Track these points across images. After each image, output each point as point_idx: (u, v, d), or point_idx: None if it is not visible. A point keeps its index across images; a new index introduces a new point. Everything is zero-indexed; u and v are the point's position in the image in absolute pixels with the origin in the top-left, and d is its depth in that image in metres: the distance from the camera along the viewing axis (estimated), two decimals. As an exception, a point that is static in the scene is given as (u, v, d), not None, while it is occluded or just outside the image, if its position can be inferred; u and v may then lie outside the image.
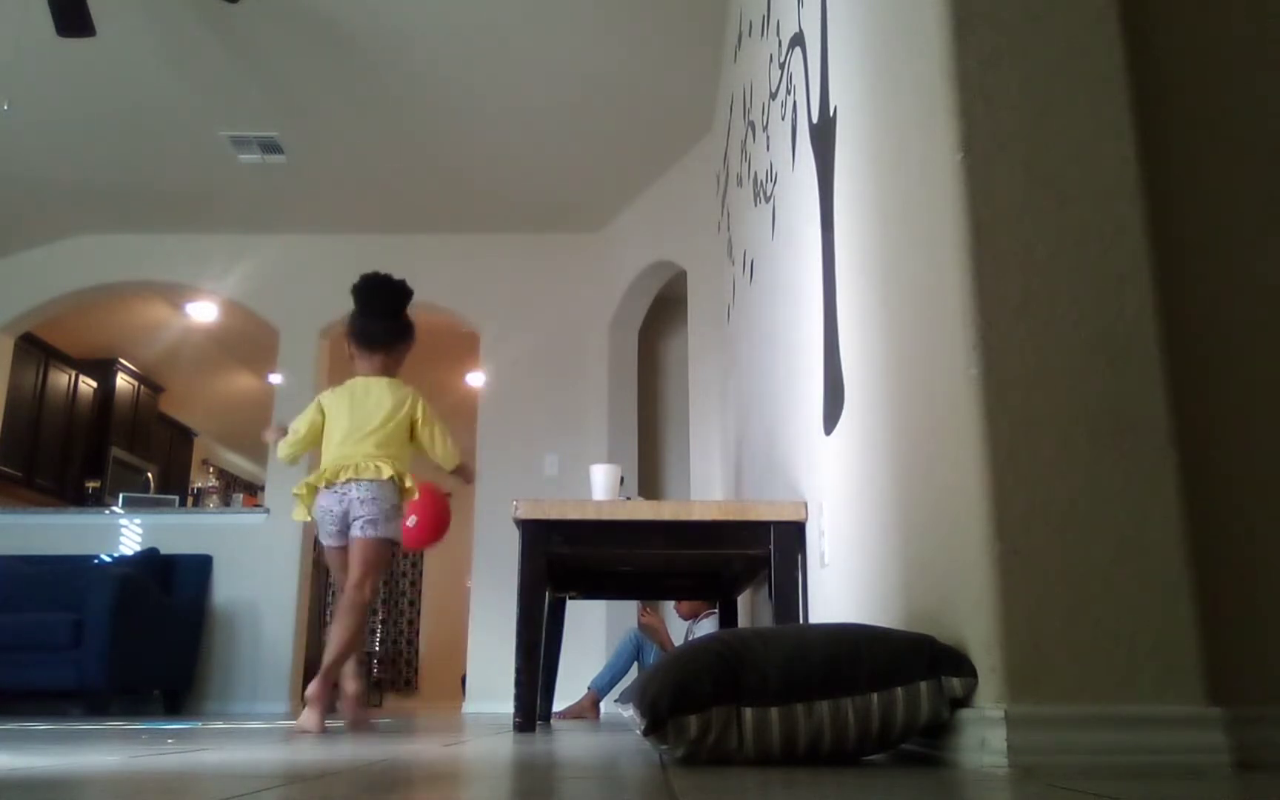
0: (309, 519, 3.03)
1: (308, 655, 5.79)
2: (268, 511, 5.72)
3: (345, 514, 2.89)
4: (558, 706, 4.16)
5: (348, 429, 2.97)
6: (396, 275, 3.28)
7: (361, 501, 2.87)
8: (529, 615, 2.54)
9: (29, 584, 5.04)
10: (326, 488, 2.93)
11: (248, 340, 7.43)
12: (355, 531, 2.87)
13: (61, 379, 7.22)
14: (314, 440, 3.07)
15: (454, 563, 10.51)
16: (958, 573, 1.33)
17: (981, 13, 1.39)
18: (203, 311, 6.95)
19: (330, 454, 2.97)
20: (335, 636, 2.83)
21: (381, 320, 3.20)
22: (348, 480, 2.89)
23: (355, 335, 3.16)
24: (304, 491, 3.01)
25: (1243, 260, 1.41)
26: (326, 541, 2.99)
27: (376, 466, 2.90)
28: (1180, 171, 1.43)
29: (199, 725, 3.22)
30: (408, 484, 2.99)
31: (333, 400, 3.06)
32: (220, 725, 3.23)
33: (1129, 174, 1.34)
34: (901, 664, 1.29)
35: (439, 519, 3.75)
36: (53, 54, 4.27)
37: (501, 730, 2.72)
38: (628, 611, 5.36)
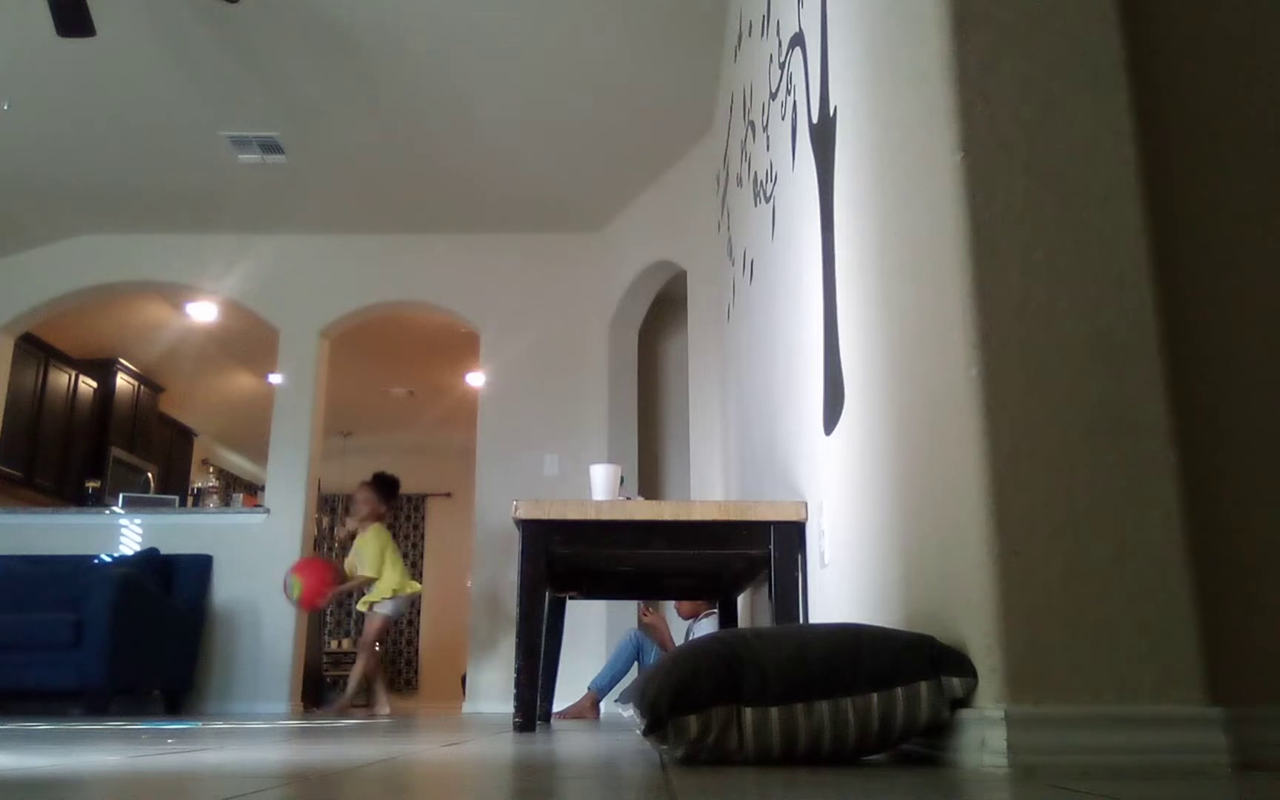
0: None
1: (307, 655, 5.79)
2: (268, 511, 5.72)
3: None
4: (558, 706, 4.16)
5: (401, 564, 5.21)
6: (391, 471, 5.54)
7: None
8: (529, 615, 2.54)
9: (29, 584, 5.04)
10: (398, 594, 5.09)
11: (248, 340, 7.43)
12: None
13: (61, 379, 7.22)
14: None
15: (454, 563, 10.52)
16: (958, 573, 1.33)
17: (981, 13, 1.39)
18: (203, 311, 6.95)
19: (403, 576, 5.09)
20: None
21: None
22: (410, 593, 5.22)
23: (387, 501, 5.32)
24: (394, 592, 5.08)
25: (1243, 260, 1.41)
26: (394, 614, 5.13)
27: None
28: (1180, 171, 1.43)
29: (199, 725, 3.22)
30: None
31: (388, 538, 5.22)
32: (220, 725, 3.23)
33: (1129, 174, 1.34)
34: (902, 664, 1.29)
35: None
36: (53, 54, 4.27)
37: (501, 730, 2.72)
38: (628, 611, 5.36)
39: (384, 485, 5.31)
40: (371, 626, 5.02)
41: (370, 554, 5.05)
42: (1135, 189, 1.33)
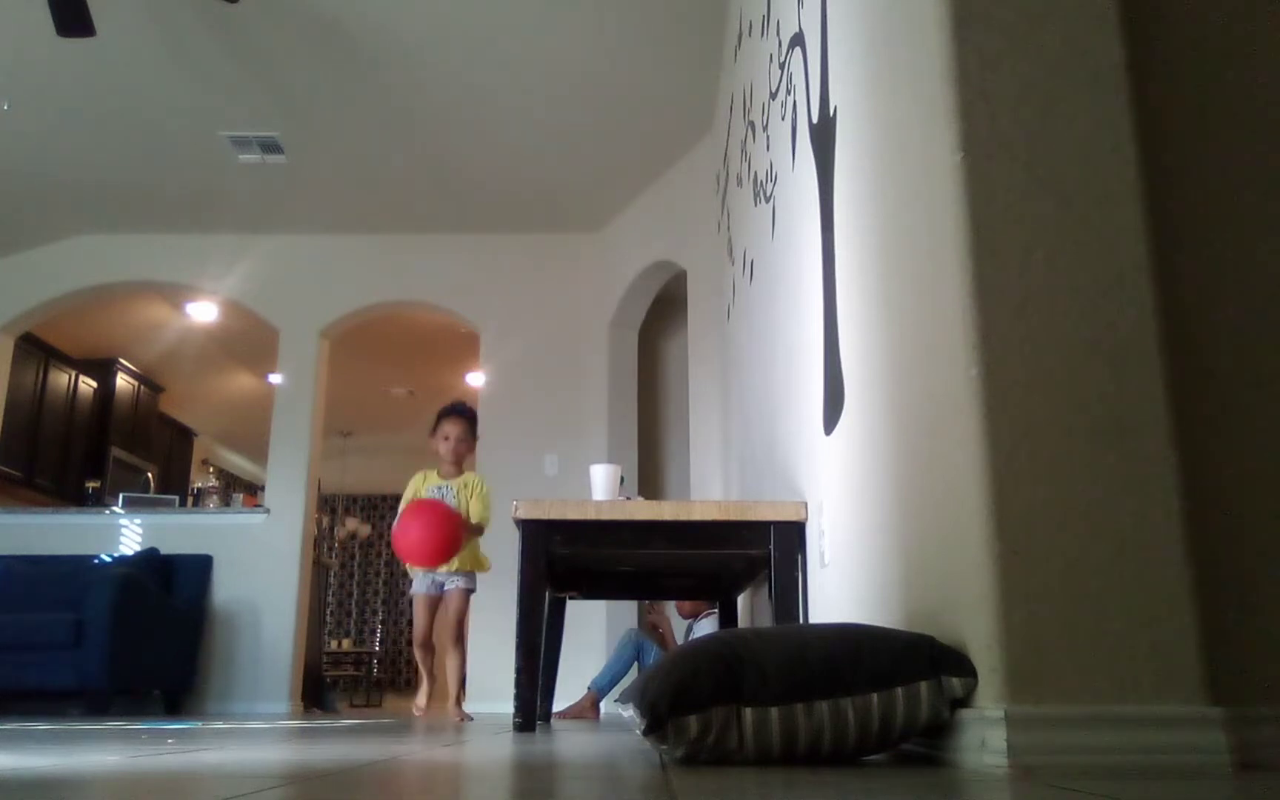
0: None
1: (307, 655, 5.79)
2: (268, 511, 5.72)
3: None
4: (558, 706, 4.16)
5: None
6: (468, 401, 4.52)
7: None
8: (529, 615, 2.54)
9: (29, 584, 5.04)
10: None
11: (248, 340, 7.43)
12: None
13: (61, 379, 7.22)
14: None
15: (454, 563, 10.51)
16: (958, 573, 1.33)
17: (981, 13, 1.39)
18: (203, 311, 6.95)
19: None
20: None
21: None
22: None
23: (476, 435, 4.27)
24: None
25: (1243, 260, 1.41)
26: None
27: None
28: (1180, 171, 1.43)
29: (199, 725, 3.22)
30: None
31: None
32: (220, 725, 3.23)
33: (1129, 174, 1.34)
34: (902, 664, 1.29)
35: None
36: (53, 54, 4.27)
37: (501, 730, 2.72)
38: (628, 611, 5.36)
39: (476, 420, 4.24)
40: (460, 605, 4.04)
41: (489, 501, 4.08)
42: (1135, 189, 1.33)
